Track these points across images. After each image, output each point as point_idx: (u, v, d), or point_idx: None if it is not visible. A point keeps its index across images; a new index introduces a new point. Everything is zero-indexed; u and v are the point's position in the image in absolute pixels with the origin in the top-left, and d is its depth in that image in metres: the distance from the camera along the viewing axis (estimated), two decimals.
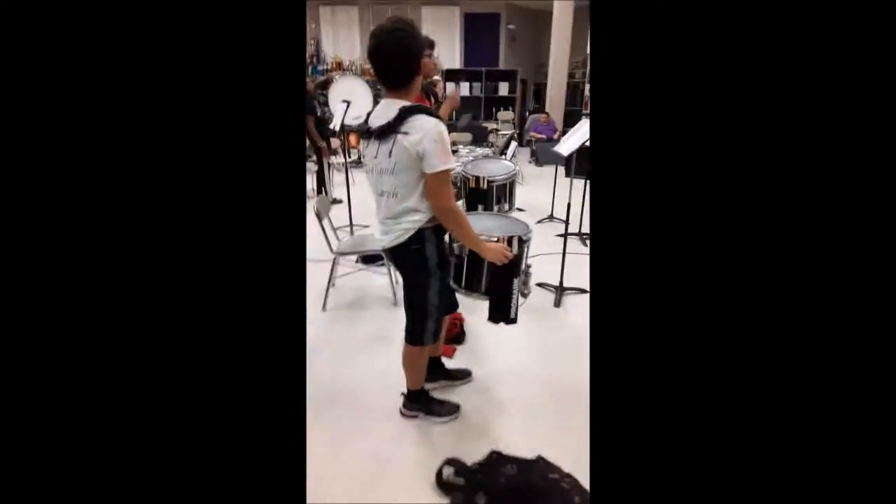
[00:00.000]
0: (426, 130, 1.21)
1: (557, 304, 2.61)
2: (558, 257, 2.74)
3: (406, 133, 1.22)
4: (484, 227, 1.58)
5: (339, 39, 8.93)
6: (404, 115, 1.23)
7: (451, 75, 8.80)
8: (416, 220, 1.33)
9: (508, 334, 2.13)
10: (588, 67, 6.92)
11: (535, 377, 1.98)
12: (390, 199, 1.33)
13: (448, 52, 9.28)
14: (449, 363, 2.01)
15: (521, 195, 5.34)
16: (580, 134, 2.35)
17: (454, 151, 4.20)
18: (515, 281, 1.47)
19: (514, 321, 1.51)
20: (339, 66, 8.68)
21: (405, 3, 8.82)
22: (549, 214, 4.26)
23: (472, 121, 7.02)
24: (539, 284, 2.80)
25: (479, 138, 6.41)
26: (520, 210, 4.73)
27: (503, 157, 3.42)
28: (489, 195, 2.32)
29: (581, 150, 3.28)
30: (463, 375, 1.93)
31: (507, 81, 8.90)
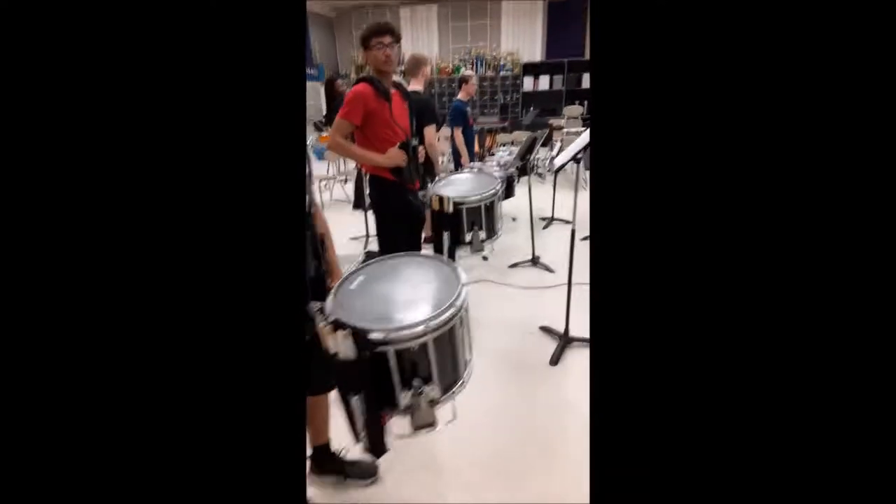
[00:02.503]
0: None
1: (555, 360, 2.02)
2: (578, 288, 2.06)
3: None
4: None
5: (418, 40, 8.94)
6: None
7: (529, 69, 8.23)
8: None
9: (468, 401, 1.61)
10: None
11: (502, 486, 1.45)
12: None
13: (530, 44, 8.70)
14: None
15: (567, 203, 4.40)
16: (579, 142, 1.74)
17: (491, 153, 3.75)
18: (355, 400, 0.93)
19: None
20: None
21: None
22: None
23: (537, 117, 6.34)
24: (543, 328, 2.23)
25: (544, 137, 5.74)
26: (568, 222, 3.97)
27: (527, 159, 2.85)
28: (459, 221, 1.85)
29: None
30: (366, 474, 1.45)
31: None
